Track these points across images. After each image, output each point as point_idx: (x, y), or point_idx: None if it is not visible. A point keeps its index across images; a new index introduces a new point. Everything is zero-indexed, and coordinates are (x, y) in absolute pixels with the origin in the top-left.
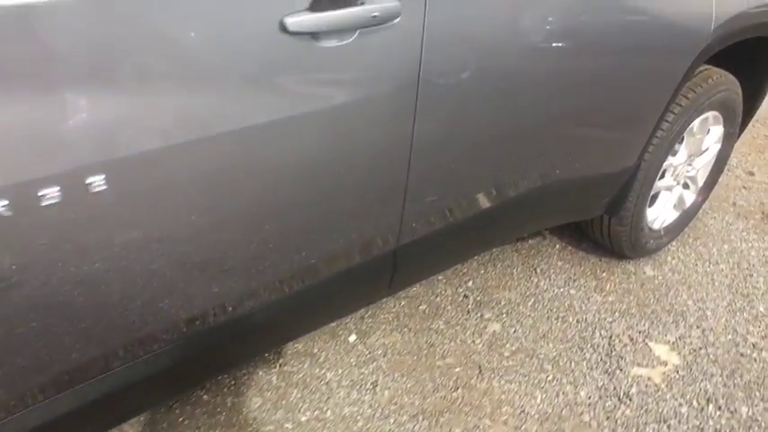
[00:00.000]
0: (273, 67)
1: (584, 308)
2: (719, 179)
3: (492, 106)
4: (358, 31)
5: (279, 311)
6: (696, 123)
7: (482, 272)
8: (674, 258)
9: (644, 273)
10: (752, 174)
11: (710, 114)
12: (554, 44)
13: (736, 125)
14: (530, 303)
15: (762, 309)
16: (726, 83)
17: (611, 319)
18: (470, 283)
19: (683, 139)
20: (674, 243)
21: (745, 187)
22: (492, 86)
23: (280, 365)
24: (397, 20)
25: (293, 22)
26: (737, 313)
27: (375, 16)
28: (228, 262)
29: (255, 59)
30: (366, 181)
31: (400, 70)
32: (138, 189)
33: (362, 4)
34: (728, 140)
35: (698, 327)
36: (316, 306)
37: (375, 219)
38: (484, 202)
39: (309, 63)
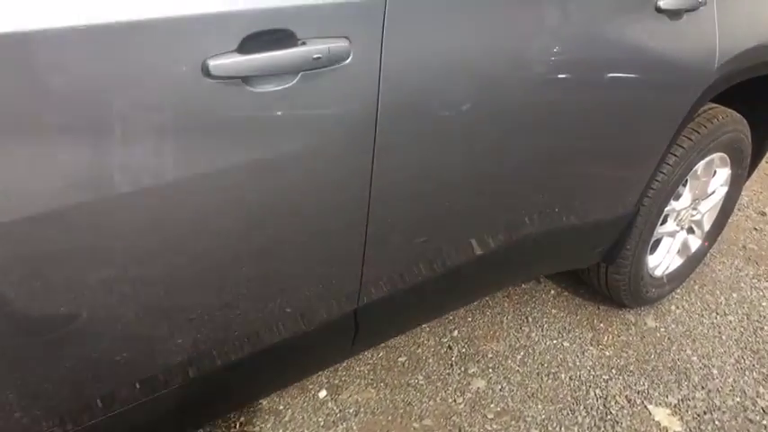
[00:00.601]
0: (196, 116)
1: (578, 363)
2: (728, 222)
3: (465, 150)
4: (300, 74)
5: (233, 374)
6: (701, 166)
7: (469, 319)
8: (677, 308)
9: (645, 324)
10: (763, 214)
11: (716, 156)
12: (539, 79)
13: (744, 167)
14: (519, 357)
15: None
16: (732, 123)
17: (607, 377)
18: (456, 333)
19: (686, 182)
20: (678, 291)
21: (756, 229)
22: (464, 129)
23: (240, 425)
24: (348, 61)
25: (217, 65)
26: (746, 372)
27: (318, 58)
28: (171, 329)
29: (174, 107)
30: (315, 237)
31: (353, 116)
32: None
33: (303, 44)
34: (736, 183)
35: (703, 387)
36: (272, 368)
37: (329, 277)
38: (458, 255)
39: (240, 110)
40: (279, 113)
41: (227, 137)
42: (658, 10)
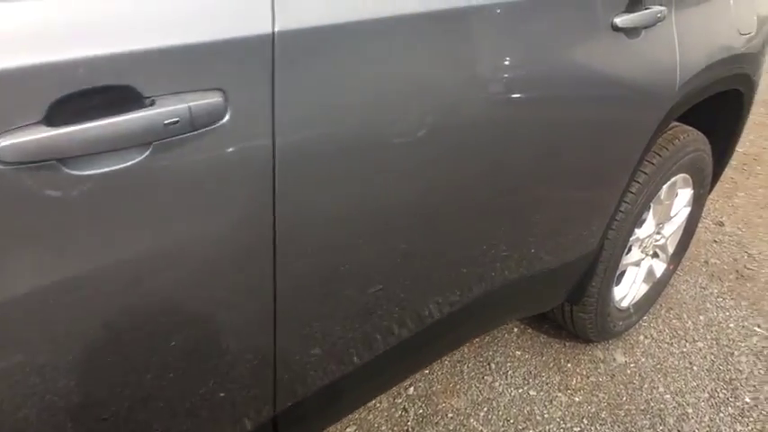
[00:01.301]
0: None
1: (546, 415)
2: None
3: (398, 209)
4: (152, 146)
5: None
6: (664, 190)
7: (426, 371)
8: (646, 338)
9: (614, 359)
10: (721, 224)
11: (679, 177)
12: (483, 111)
13: (705, 185)
14: (482, 414)
15: (748, 399)
16: (693, 142)
17: (578, 429)
18: (411, 390)
19: (649, 207)
20: (645, 317)
21: (716, 241)
22: (397, 179)
23: None
24: (225, 120)
25: (13, 145)
26: (721, 408)
27: (171, 124)
28: None
29: None
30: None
31: (240, 191)
32: None
33: (153, 103)
34: (698, 202)
35: (679, 431)
36: None
37: (234, 387)
38: (391, 334)
39: (62, 203)
40: (120, 202)
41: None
42: (615, 28)
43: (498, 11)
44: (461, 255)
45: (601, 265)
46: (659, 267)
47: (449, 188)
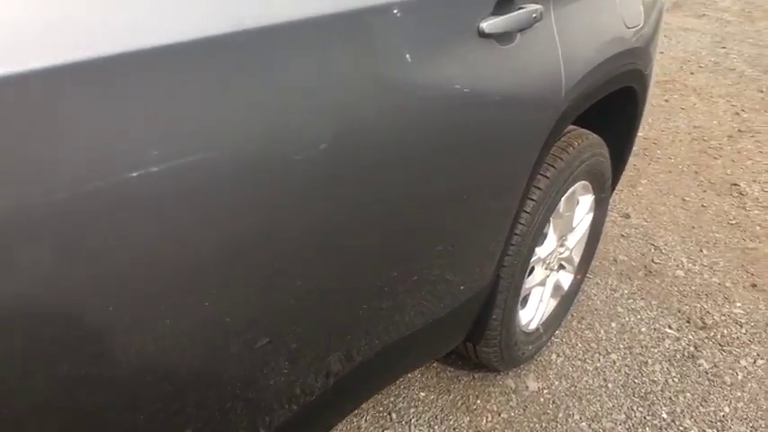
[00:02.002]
0: None
1: None
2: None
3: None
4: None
5: None
6: (562, 202)
7: None
8: (559, 356)
9: (526, 387)
10: (627, 216)
11: (578, 185)
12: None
13: (606, 189)
14: None
15: (665, 414)
16: (590, 147)
17: None
18: None
19: (549, 222)
20: (557, 332)
21: (623, 235)
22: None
23: None
24: None
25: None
26: (639, 429)
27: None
28: None
29: None
30: None
31: None
32: None
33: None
34: (601, 206)
35: None
36: None
37: None
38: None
39: None
40: None
41: None
42: (482, 35)
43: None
44: (351, 306)
45: (500, 295)
46: (567, 280)
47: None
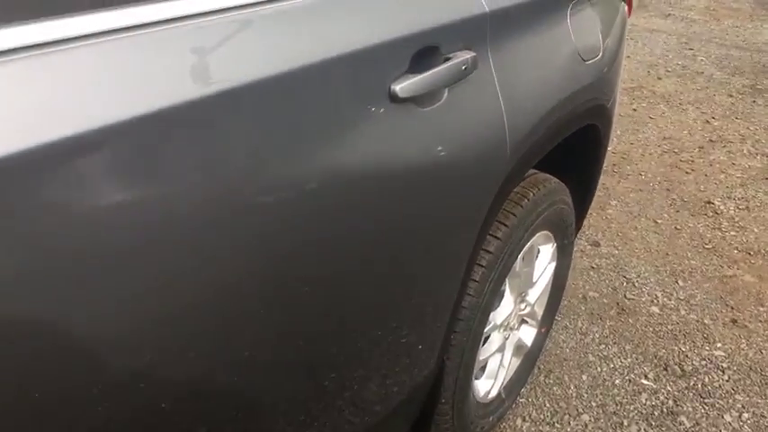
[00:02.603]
0: None
1: None
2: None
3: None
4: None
5: None
6: (518, 262)
7: None
8: (525, 420)
9: None
10: (597, 244)
11: (537, 237)
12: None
13: (570, 234)
14: None
15: None
16: (549, 195)
17: None
18: None
19: (504, 284)
20: (523, 389)
21: (593, 267)
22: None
23: None
24: None
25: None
26: None
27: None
28: None
29: None
30: None
31: None
32: None
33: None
34: (564, 253)
35: None
36: None
37: None
38: None
39: None
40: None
41: None
42: (395, 99)
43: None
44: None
45: (448, 377)
46: (530, 335)
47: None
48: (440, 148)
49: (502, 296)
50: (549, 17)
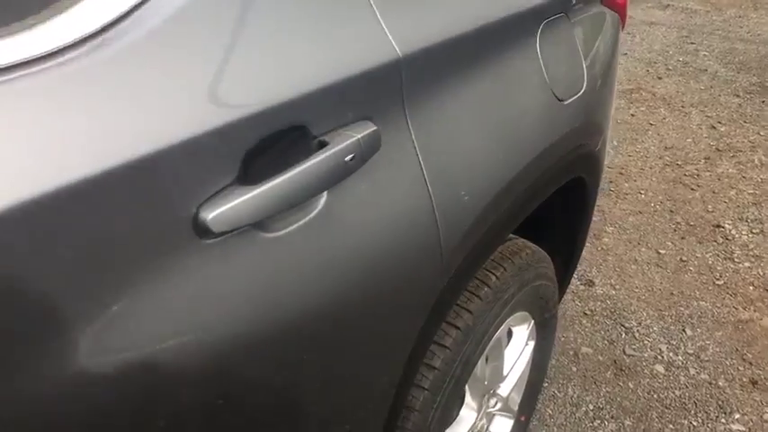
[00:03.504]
0: None
1: None
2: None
3: None
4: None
5: None
6: (479, 365)
7: None
8: None
9: None
10: (591, 283)
11: (509, 321)
12: None
13: (552, 306)
14: None
15: None
16: (522, 271)
17: None
18: None
19: (464, 392)
20: None
21: (586, 314)
22: None
23: None
24: None
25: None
26: None
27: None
28: None
29: None
30: None
31: None
32: None
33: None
34: (546, 327)
35: None
36: None
37: None
38: None
39: None
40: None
41: None
42: (206, 233)
43: None
44: None
45: None
46: (505, 426)
47: None
48: (318, 285)
49: (460, 405)
50: (509, 48)
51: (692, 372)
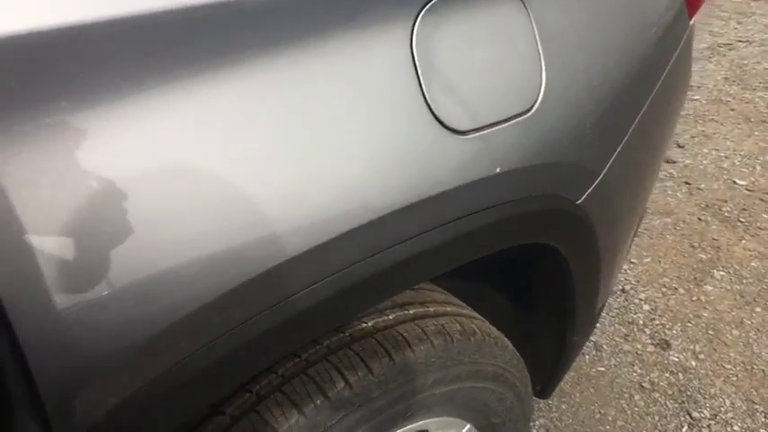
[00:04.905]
0: None
1: None
2: None
3: None
4: None
5: None
6: None
7: None
8: None
9: None
10: (666, 346)
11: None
12: None
13: (509, 407)
14: None
15: None
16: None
17: None
18: None
19: None
20: None
21: (644, 387)
22: None
23: None
24: None
25: None
26: None
27: None
28: None
29: None
30: None
31: None
32: None
33: None
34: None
35: None
36: None
37: None
38: None
39: None
40: None
41: None
42: None
43: None
44: None
45: None
46: None
47: None
48: None
49: None
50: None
51: None
